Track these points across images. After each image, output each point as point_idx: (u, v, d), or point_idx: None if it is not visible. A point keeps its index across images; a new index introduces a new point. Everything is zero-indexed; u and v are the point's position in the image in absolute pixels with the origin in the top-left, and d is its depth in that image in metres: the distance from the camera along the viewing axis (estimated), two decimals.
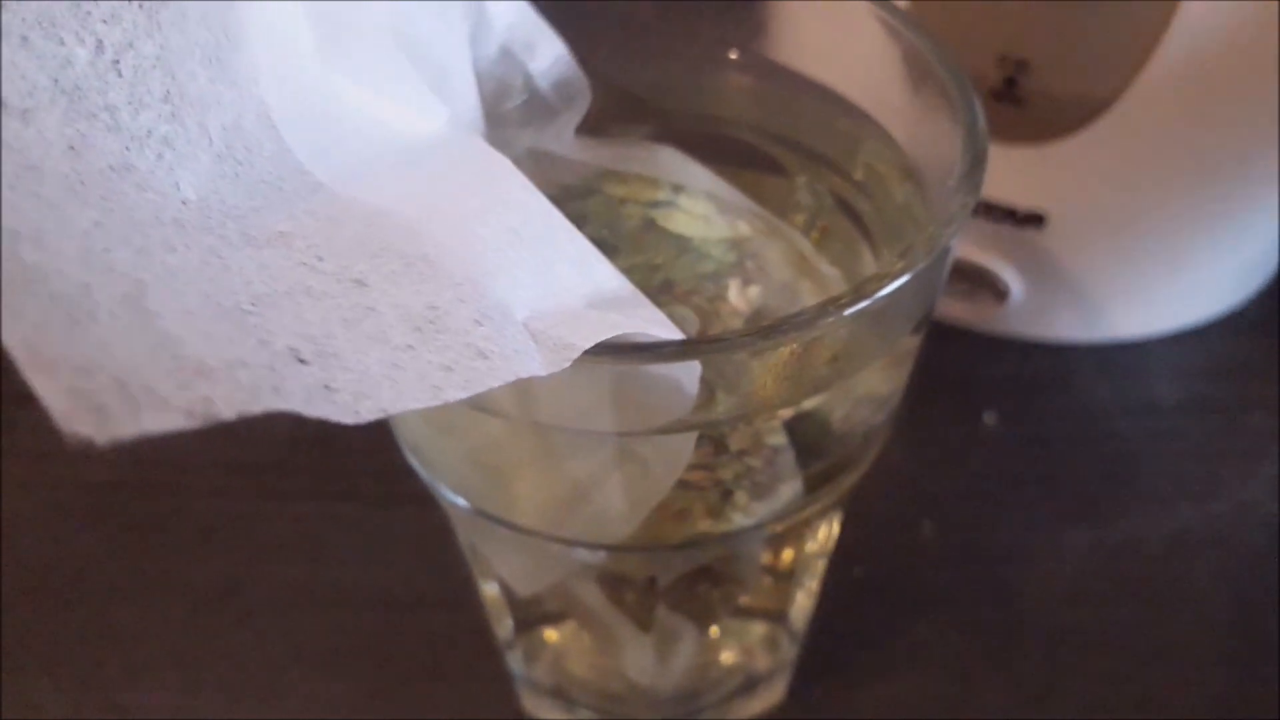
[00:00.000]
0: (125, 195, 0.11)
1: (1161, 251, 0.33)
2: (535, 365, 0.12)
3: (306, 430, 0.33)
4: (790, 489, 0.19)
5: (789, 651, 0.26)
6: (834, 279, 0.20)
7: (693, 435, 0.17)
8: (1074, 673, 0.28)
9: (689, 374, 0.15)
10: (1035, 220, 0.32)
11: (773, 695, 0.27)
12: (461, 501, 0.19)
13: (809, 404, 0.18)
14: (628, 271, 0.16)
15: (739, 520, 0.19)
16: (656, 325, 0.15)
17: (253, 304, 0.11)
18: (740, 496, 0.19)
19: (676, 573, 0.21)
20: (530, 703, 0.27)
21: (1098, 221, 0.32)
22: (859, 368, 0.18)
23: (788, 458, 0.19)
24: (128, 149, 0.11)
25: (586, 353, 0.14)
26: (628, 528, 0.18)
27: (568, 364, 0.13)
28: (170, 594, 0.30)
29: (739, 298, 0.19)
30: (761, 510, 0.19)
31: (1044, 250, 0.33)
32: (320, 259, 0.12)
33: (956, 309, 0.36)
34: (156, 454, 0.33)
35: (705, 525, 0.19)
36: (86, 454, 0.34)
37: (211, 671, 0.29)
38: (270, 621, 0.30)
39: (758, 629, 0.26)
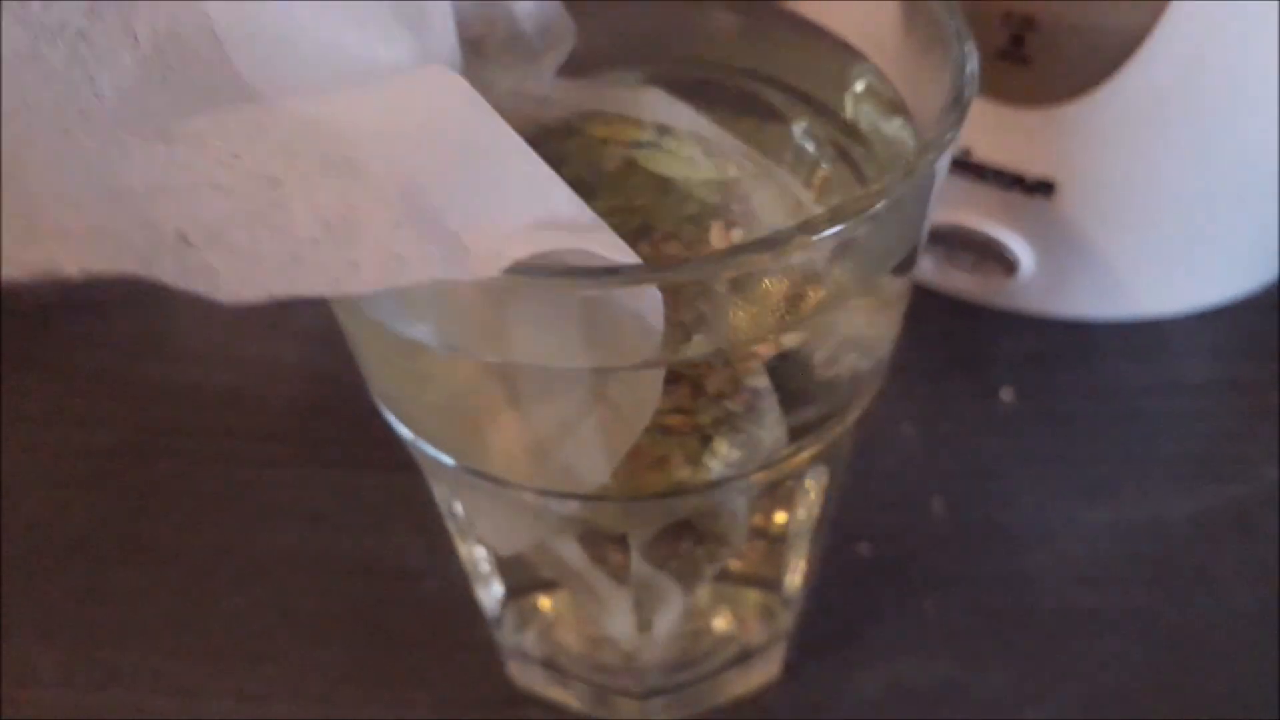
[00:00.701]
0: (30, 83, 0.10)
1: (1179, 224, 0.32)
2: (459, 270, 0.12)
3: (310, 400, 0.33)
4: (772, 436, 0.18)
5: (784, 622, 0.25)
6: None
7: (659, 373, 0.16)
8: (1086, 657, 0.27)
9: (652, 305, 0.15)
10: (1044, 188, 0.31)
11: (769, 669, 0.27)
12: (438, 454, 0.19)
13: (788, 341, 0.17)
14: (606, 214, 0.16)
15: (718, 469, 0.18)
16: (613, 250, 0.14)
17: (147, 190, 0.10)
18: (720, 443, 0.18)
19: (657, 526, 0.20)
20: (519, 674, 0.27)
21: (1110, 190, 0.31)
22: (837, 303, 0.17)
23: (769, 403, 0.18)
24: (37, 39, 0.11)
25: (535, 273, 0.13)
26: (602, 475, 0.17)
27: (496, 273, 0.12)
28: (164, 558, 0.30)
29: (721, 241, 0.18)
30: (742, 459, 0.18)
31: (1055, 220, 0.32)
32: (236, 157, 0.11)
33: (965, 281, 0.35)
34: (160, 421, 0.33)
35: (684, 473, 0.18)
36: (89, 419, 0.33)
37: (201, 635, 0.28)
38: (261, 587, 0.29)
39: (750, 597, 0.25)
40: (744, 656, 0.25)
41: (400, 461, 0.30)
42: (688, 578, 0.21)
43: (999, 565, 0.29)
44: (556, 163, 0.15)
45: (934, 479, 0.31)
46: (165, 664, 0.28)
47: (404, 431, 0.19)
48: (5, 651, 0.28)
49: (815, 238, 0.14)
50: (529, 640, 0.26)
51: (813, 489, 0.22)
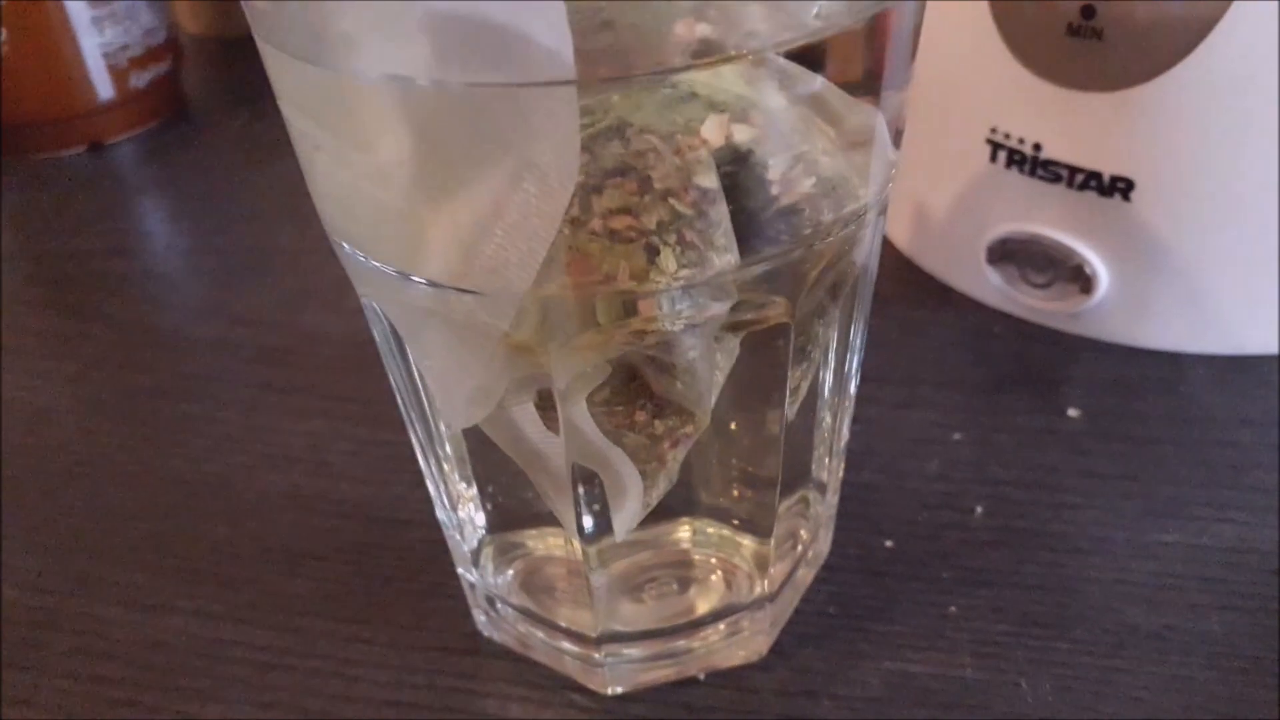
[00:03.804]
0: None
1: (1276, 234, 0.28)
2: None
3: (345, 364, 0.33)
4: (722, 259, 0.17)
5: (769, 582, 0.22)
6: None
7: (575, 120, 0.15)
8: (1142, 677, 0.22)
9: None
10: (1122, 188, 0.29)
11: (757, 644, 0.23)
12: (380, 265, 0.18)
13: (739, 134, 0.16)
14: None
15: (664, 283, 0.16)
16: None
17: None
18: (667, 256, 0.16)
19: (606, 370, 0.18)
20: (484, 625, 0.25)
21: (1194, 191, 0.28)
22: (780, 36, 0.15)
23: (719, 212, 0.16)
24: None
25: None
26: (531, 268, 0.16)
27: None
28: (164, 486, 0.30)
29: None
30: (690, 276, 0.16)
31: (1135, 228, 0.29)
32: None
33: (1039, 301, 0.32)
34: (200, 370, 0.34)
35: (629, 285, 0.16)
36: (135, 365, 0.35)
37: (175, 557, 0.27)
38: (251, 520, 0.28)
39: (736, 542, 0.23)
40: (719, 615, 0.22)
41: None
42: (646, 457, 0.19)
43: (1042, 573, 0.25)
44: None
45: (979, 485, 0.27)
46: (132, 578, 0.27)
47: (346, 248, 0.19)
48: None
49: None
50: (503, 581, 0.24)
51: (797, 379, 0.20)
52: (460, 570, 0.24)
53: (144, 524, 0.28)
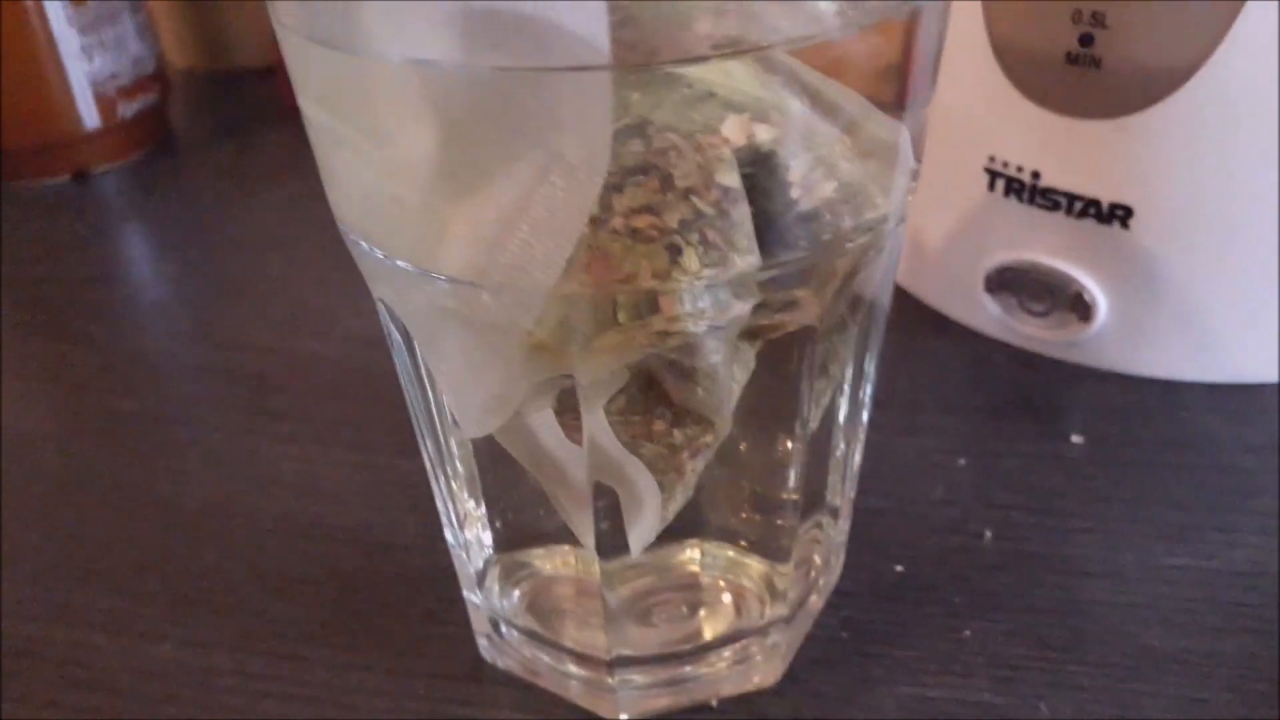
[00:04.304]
0: None
1: (1275, 264, 0.29)
2: None
3: (338, 391, 0.32)
4: (745, 260, 0.16)
5: (784, 601, 0.22)
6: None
7: (607, 110, 0.15)
8: (1164, 699, 0.22)
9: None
10: (1121, 215, 0.29)
11: (765, 669, 0.23)
12: (398, 262, 0.17)
13: (760, 134, 0.16)
14: None
15: (687, 284, 0.16)
16: None
17: None
18: (690, 255, 0.16)
19: (626, 374, 0.18)
20: (489, 650, 0.24)
21: (1193, 219, 0.28)
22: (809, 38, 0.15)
23: (741, 212, 0.16)
24: None
25: None
26: (558, 263, 0.16)
27: None
28: (151, 511, 0.29)
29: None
30: (713, 276, 0.16)
31: (1133, 255, 0.29)
32: None
33: (1038, 330, 0.32)
34: (188, 396, 0.33)
35: (652, 284, 0.16)
36: (122, 389, 0.34)
37: (162, 583, 0.26)
38: (241, 545, 0.27)
39: (748, 566, 0.22)
40: (731, 639, 0.22)
41: (410, 449, 0.29)
42: (664, 468, 0.19)
43: (1054, 597, 0.25)
44: None
45: (986, 510, 0.27)
46: (118, 605, 0.26)
47: (364, 246, 0.18)
48: None
49: None
50: (509, 603, 0.23)
51: (819, 391, 0.20)
52: (465, 593, 0.24)
53: (130, 550, 0.28)
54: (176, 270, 0.41)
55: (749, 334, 0.19)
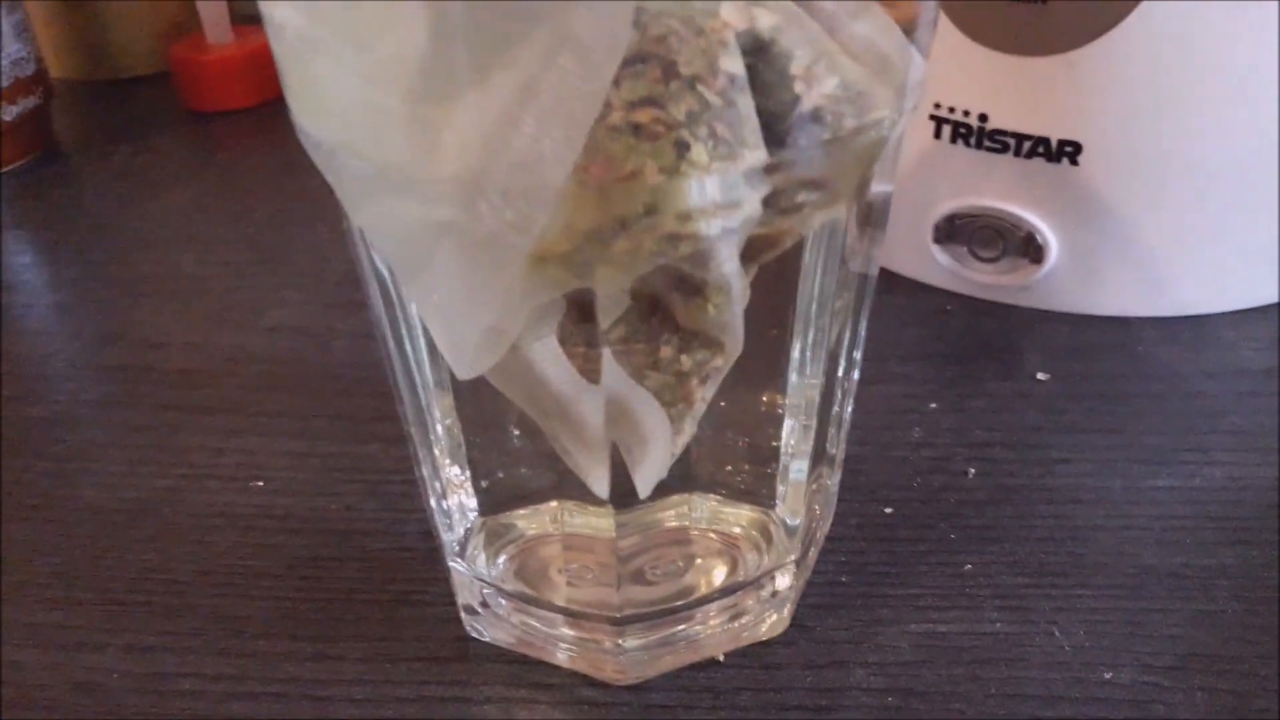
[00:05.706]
0: None
1: (1220, 198, 0.29)
2: None
3: (270, 382, 0.30)
4: (753, 155, 0.15)
5: (783, 550, 0.21)
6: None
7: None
8: (1171, 615, 0.22)
9: None
10: (1069, 151, 0.29)
11: (774, 619, 0.22)
12: (381, 173, 0.16)
13: (761, 20, 0.15)
14: None
15: (696, 179, 0.15)
16: None
17: None
18: (698, 150, 0.15)
19: (630, 279, 0.16)
20: (474, 625, 0.22)
21: (1141, 150, 0.29)
22: None
23: (747, 103, 0.15)
24: None
25: None
26: (571, 152, 0.14)
27: None
28: (76, 516, 0.26)
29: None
30: (722, 170, 0.15)
31: (1083, 192, 0.29)
32: None
33: (990, 277, 0.32)
34: (103, 397, 0.30)
35: (658, 180, 0.15)
36: (30, 395, 0.31)
37: (96, 590, 0.24)
38: (180, 544, 0.25)
39: (742, 514, 0.21)
40: (735, 589, 0.21)
41: (360, 434, 0.27)
42: (672, 398, 0.18)
43: (1048, 525, 0.24)
44: None
45: (966, 449, 0.27)
46: (48, 617, 0.23)
47: (343, 160, 0.16)
48: None
49: None
50: (495, 570, 0.21)
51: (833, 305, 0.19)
52: (450, 563, 0.22)
53: (53, 559, 0.25)
54: (79, 274, 0.38)
55: (745, 253, 0.18)
